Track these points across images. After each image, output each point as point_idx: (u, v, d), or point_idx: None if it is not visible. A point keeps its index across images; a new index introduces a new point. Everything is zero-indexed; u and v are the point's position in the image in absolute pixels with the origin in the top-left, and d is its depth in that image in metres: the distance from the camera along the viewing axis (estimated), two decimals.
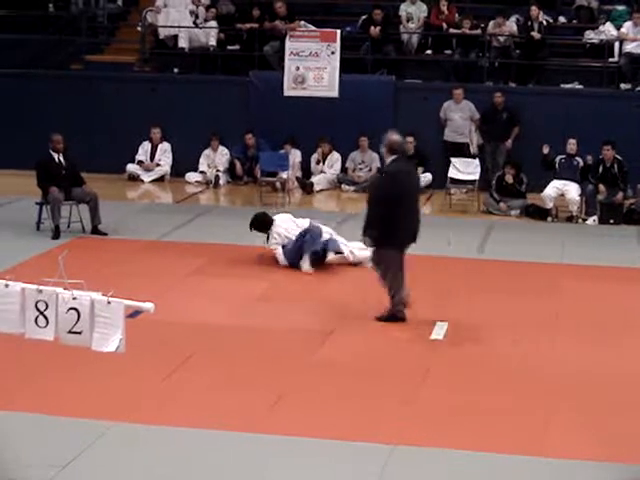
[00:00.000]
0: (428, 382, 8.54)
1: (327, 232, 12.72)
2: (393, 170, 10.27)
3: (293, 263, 12.39)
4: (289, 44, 18.95)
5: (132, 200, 17.65)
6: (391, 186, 10.13)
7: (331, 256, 12.54)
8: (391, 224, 10.00)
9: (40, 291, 5.79)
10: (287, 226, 12.61)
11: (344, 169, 18.55)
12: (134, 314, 6.43)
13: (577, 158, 16.38)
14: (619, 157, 16.19)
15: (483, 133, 18.21)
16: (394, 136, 10.31)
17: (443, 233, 14.88)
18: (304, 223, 12.68)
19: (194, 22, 19.97)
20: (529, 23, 18.69)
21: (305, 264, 12.33)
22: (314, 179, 18.30)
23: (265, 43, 19.25)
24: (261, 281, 11.78)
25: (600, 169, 16.18)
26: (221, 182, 18.40)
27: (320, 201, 17.72)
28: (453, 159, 17.47)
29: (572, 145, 16.38)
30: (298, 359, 9.07)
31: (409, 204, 10.17)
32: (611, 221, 15.91)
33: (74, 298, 5.73)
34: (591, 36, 19.07)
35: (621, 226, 15.79)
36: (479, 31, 19.10)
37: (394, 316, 10.24)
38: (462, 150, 18.01)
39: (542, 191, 16.28)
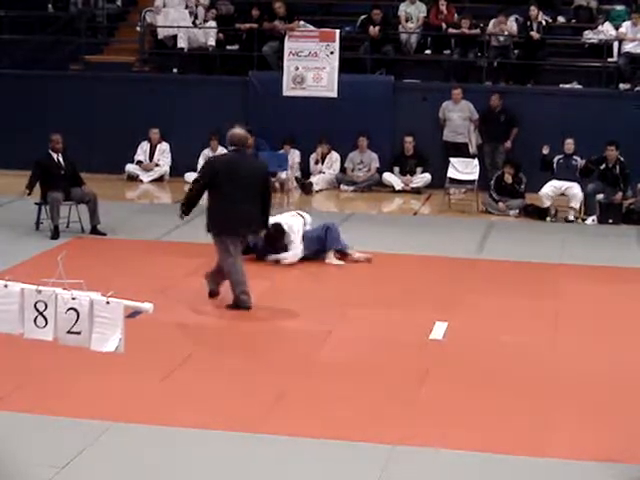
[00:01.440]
0: (427, 382, 8.53)
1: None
2: (214, 159, 10.85)
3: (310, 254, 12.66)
4: (288, 44, 18.95)
5: (131, 200, 17.66)
6: (209, 175, 10.55)
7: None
8: (213, 212, 10.51)
9: (39, 291, 5.79)
10: (293, 221, 12.84)
11: (343, 169, 18.57)
12: (133, 314, 6.43)
13: (575, 157, 16.39)
14: (622, 158, 16.19)
15: (482, 133, 18.22)
16: (235, 130, 10.65)
17: (442, 233, 14.91)
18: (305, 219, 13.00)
19: (193, 22, 19.99)
20: (528, 23, 18.70)
21: (333, 259, 12.64)
22: (313, 179, 18.31)
23: (264, 43, 19.25)
24: (261, 281, 11.76)
25: (602, 167, 16.20)
26: None
27: (319, 201, 17.72)
28: (452, 159, 17.46)
29: (569, 145, 16.39)
30: (298, 359, 9.07)
31: (231, 193, 10.37)
32: (610, 221, 15.91)
33: (73, 298, 5.72)
34: (590, 36, 19.07)
35: (620, 226, 15.79)
36: (478, 31, 19.11)
37: (237, 305, 10.53)
38: (461, 150, 18.01)
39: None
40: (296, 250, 12.59)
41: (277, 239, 12.55)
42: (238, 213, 10.39)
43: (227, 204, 10.38)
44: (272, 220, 12.67)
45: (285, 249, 12.60)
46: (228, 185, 10.34)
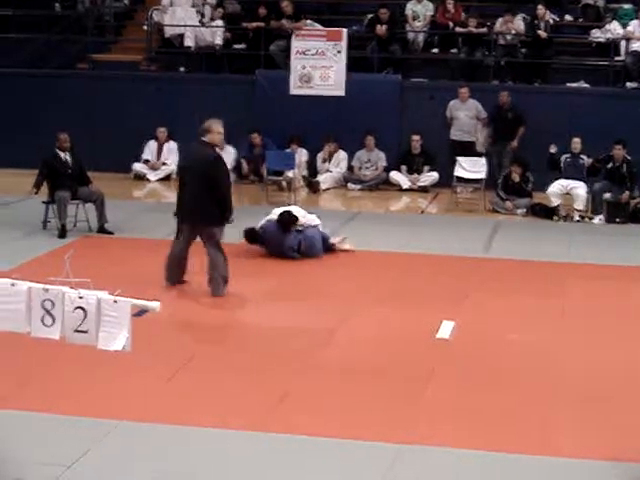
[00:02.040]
0: (434, 381, 8.53)
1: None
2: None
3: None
4: (295, 43, 18.96)
5: (138, 199, 17.68)
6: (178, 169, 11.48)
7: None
8: (178, 197, 11.27)
9: (46, 290, 5.80)
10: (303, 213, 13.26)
11: (350, 168, 18.57)
12: (140, 313, 6.44)
13: (582, 156, 16.37)
14: (629, 157, 16.17)
15: (490, 132, 18.19)
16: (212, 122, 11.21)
17: (449, 232, 14.90)
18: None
19: (200, 21, 20.00)
20: (535, 22, 18.69)
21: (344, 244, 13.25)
22: (320, 178, 18.31)
23: (271, 42, 19.25)
24: (266, 279, 11.79)
25: (609, 166, 16.18)
26: None
27: (326, 200, 17.73)
28: (459, 158, 17.44)
29: (577, 144, 16.37)
30: (302, 358, 9.07)
31: (182, 182, 11.26)
32: (617, 220, 15.89)
33: (80, 297, 5.73)
34: (597, 35, 19.05)
35: (627, 225, 15.78)
36: (485, 30, 19.10)
37: None
38: (468, 149, 17.99)
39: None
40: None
41: (291, 223, 12.82)
42: (184, 201, 11.04)
43: (179, 192, 11.17)
44: (280, 210, 12.91)
45: (298, 232, 12.88)
46: (181, 174, 11.21)
